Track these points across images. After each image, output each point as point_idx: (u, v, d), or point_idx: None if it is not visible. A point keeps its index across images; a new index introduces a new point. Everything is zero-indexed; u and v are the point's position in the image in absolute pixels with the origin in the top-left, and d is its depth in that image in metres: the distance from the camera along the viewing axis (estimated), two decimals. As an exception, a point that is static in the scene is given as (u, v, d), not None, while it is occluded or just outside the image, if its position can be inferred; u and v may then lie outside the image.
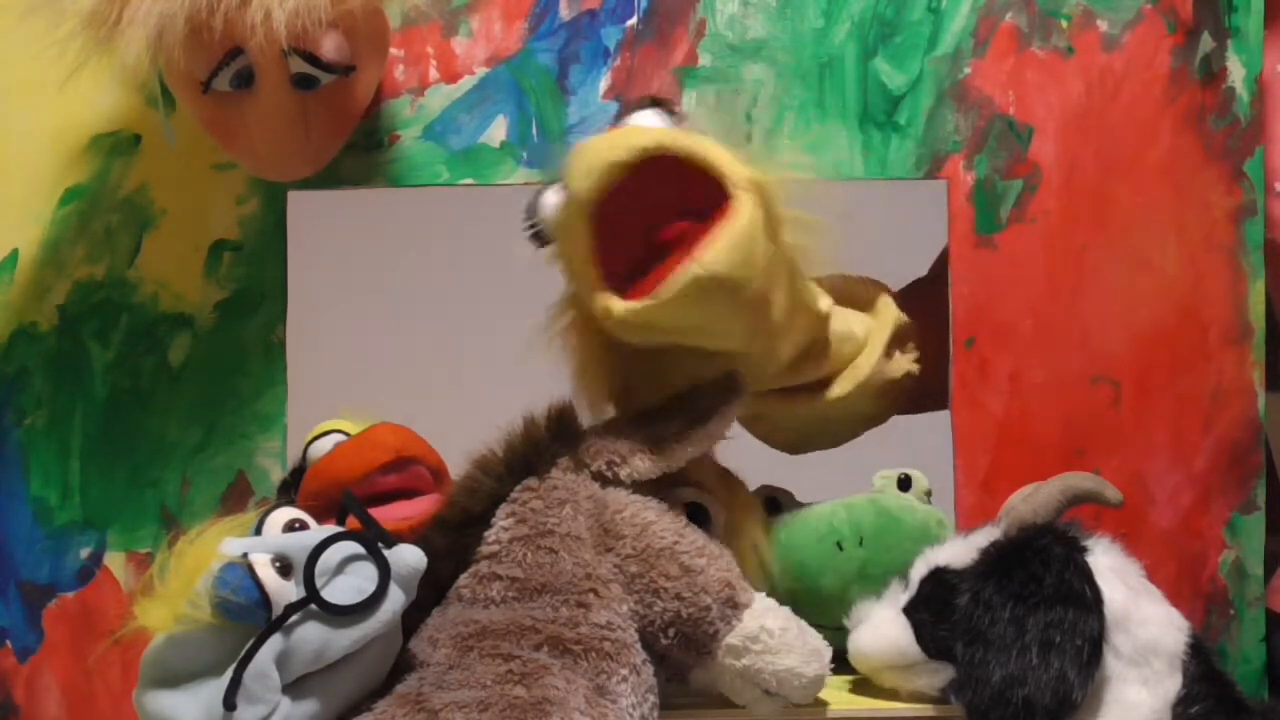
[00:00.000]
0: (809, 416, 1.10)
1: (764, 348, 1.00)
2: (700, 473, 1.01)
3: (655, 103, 0.99)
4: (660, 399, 1.01)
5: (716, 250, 0.90)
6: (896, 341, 1.12)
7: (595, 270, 0.94)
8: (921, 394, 1.16)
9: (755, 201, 0.92)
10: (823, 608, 1.06)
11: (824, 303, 1.06)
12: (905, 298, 1.17)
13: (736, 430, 1.05)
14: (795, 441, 1.16)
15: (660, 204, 0.92)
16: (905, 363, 1.12)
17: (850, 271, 1.19)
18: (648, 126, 0.96)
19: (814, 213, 0.99)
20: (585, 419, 1.02)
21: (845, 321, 1.10)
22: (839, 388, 1.09)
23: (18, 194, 1.11)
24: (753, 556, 1.02)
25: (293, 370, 1.10)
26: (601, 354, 1.02)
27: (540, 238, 0.99)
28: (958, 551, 1.00)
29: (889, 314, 1.14)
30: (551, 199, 0.97)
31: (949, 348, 1.11)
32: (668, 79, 1.11)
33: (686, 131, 0.95)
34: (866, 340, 1.11)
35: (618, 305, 0.93)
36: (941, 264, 1.22)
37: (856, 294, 1.15)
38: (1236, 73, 1.11)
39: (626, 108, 1.00)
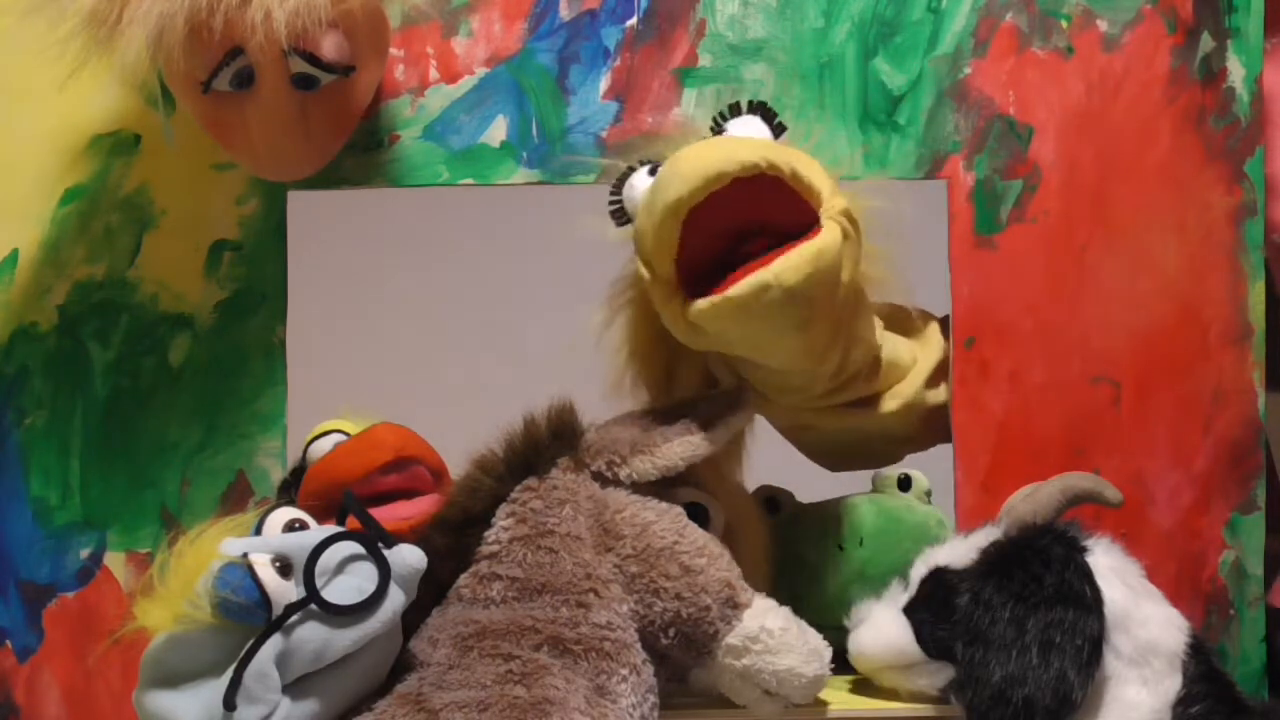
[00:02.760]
0: (852, 433, 1.11)
1: (812, 371, 1.01)
2: (700, 473, 1.01)
3: (757, 108, 0.99)
4: (671, 401, 1.02)
5: (793, 265, 0.90)
6: (942, 371, 1.12)
7: (673, 269, 0.94)
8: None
9: (842, 231, 0.93)
10: (823, 608, 1.06)
11: (880, 336, 1.07)
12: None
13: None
14: (837, 458, 1.16)
15: (749, 214, 0.92)
16: (948, 392, 1.12)
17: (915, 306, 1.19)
18: (751, 137, 0.96)
19: (885, 251, 1.00)
20: (626, 398, 1.03)
21: (893, 346, 1.11)
22: (883, 407, 1.10)
23: (18, 194, 1.11)
24: (751, 557, 1.02)
25: (293, 370, 1.10)
26: (653, 342, 1.03)
27: (622, 216, 0.99)
28: (958, 551, 1.00)
29: (936, 342, 1.14)
30: (641, 183, 0.97)
31: (949, 355, 1.11)
32: (668, 79, 1.11)
33: (788, 147, 0.95)
34: (913, 364, 1.11)
35: (690, 307, 0.93)
36: None
37: (906, 322, 1.15)
38: (1236, 73, 1.10)
39: (732, 110, 1.00)
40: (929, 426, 1.12)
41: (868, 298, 1.04)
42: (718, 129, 0.99)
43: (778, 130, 0.99)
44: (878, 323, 1.09)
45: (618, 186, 1.00)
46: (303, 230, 1.11)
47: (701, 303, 0.92)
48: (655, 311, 0.99)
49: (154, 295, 1.11)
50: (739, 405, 0.99)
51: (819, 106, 1.11)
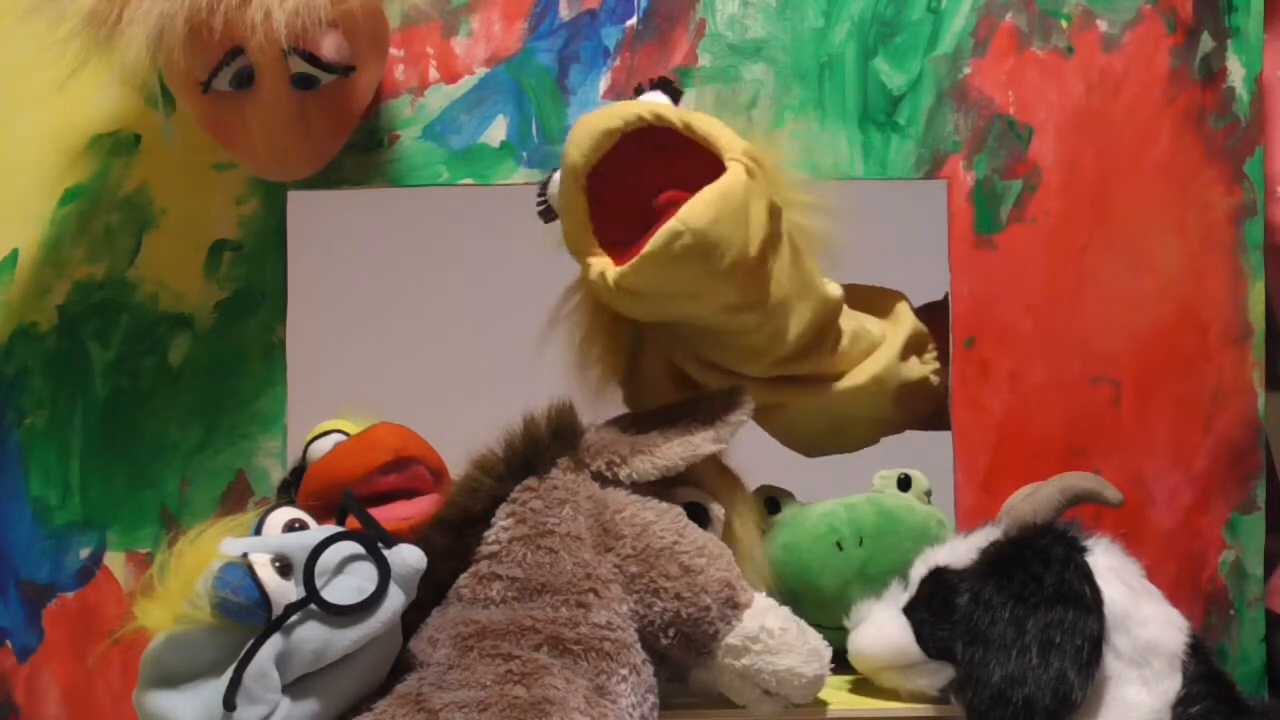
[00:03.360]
0: (824, 413, 1.10)
1: (765, 323, 1.00)
2: (701, 472, 1.01)
3: (662, 83, 1.00)
4: (670, 401, 1.02)
5: (697, 207, 0.91)
6: (914, 347, 1.12)
7: (591, 237, 0.96)
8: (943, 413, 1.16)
9: (746, 169, 0.93)
10: (823, 608, 1.06)
11: (832, 289, 1.06)
12: (929, 312, 1.17)
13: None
14: (810, 440, 1.15)
15: (658, 177, 0.94)
16: (922, 368, 1.12)
17: (852, 271, 1.19)
18: (624, 103, 0.97)
19: (817, 202, 1.00)
20: (591, 400, 1.03)
21: (859, 320, 1.10)
22: (852, 379, 1.09)
23: (18, 194, 1.11)
24: (751, 557, 1.02)
25: (293, 370, 1.10)
26: (609, 332, 1.03)
27: (548, 213, 1.00)
28: (958, 551, 1.00)
29: (906, 318, 1.14)
30: (559, 176, 0.98)
31: (949, 354, 1.11)
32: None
33: (663, 104, 0.97)
34: (883, 339, 1.11)
35: (611, 270, 0.94)
36: None
37: (874, 301, 1.15)
38: (1236, 73, 1.11)
39: (636, 91, 1.01)
40: (903, 405, 1.12)
41: (805, 248, 1.02)
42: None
43: (677, 100, 1.00)
44: (835, 286, 1.07)
45: (543, 187, 1.01)
46: (302, 230, 1.11)
47: (623, 267, 0.93)
48: (602, 305, 1.00)
49: (154, 295, 1.11)
50: (738, 405, 0.98)
51: (819, 106, 1.11)
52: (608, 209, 0.96)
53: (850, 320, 1.09)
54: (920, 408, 1.14)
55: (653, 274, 0.92)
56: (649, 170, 0.94)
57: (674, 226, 0.90)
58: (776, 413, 1.11)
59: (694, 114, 0.95)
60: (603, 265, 0.95)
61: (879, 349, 1.11)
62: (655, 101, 0.97)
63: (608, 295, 0.96)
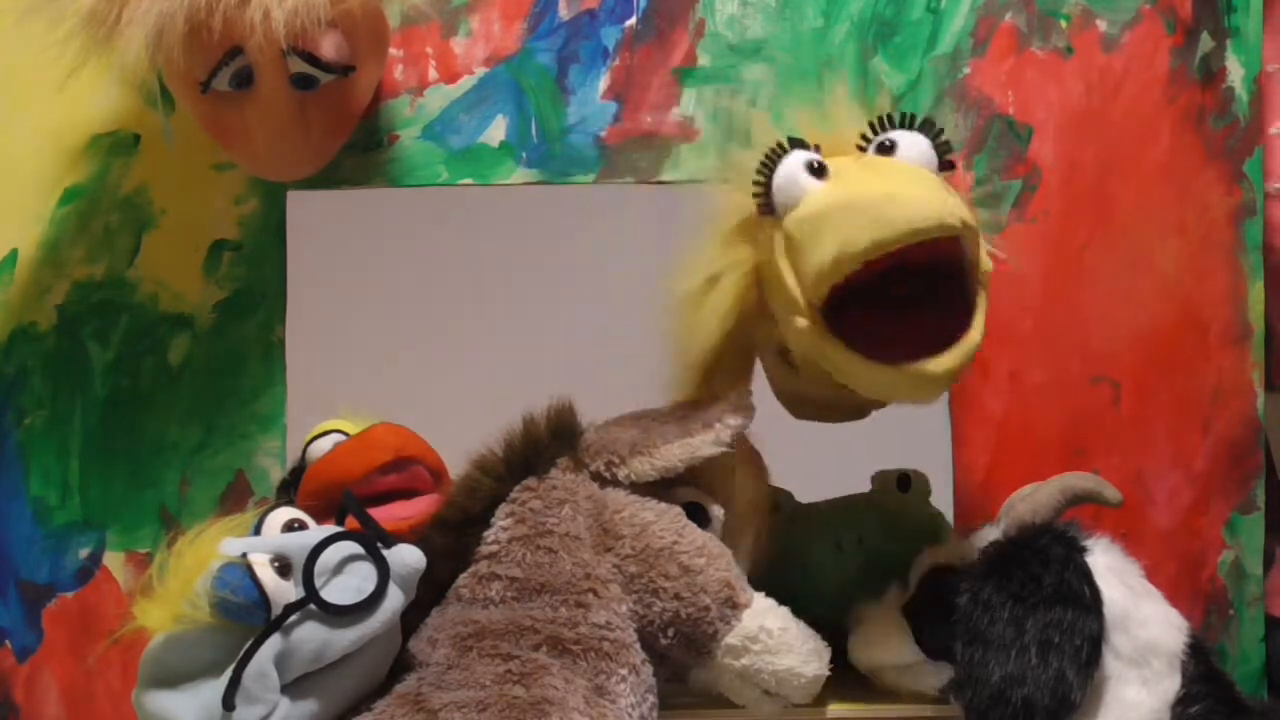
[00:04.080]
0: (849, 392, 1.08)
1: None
2: (702, 472, 1.01)
3: (924, 126, 0.94)
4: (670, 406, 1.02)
5: (958, 356, 0.89)
6: None
7: (821, 299, 0.90)
8: None
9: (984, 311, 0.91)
10: (823, 608, 1.06)
11: None
12: None
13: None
14: (816, 409, 1.11)
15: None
16: None
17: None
18: (932, 184, 0.90)
19: None
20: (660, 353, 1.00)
21: None
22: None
23: (17, 194, 1.11)
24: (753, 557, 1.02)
25: (292, 370, 1.10)
26: (731, 302, 0.97)
27: (767, 204, 0.92)
28: (958, 551, 1.00)
29: None
30: (805, 182, 0.91)
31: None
32: (667, 79, 1.11)
33: (966, 206, 0.90)
34: None
35: (913, 367, 0.88)
36: None
37: None
38: (1236, 73, 1.10)
39: (903, 121, 0.94)
40: None
41: None
42: (879, 133, 0.94)
43: (945, 163, 0.94)
44: None
45: (767, 169, 0.92)
46: (302, 230, 1.11)
47: (874, 367, 0.89)
48: (747, 297, 0.95)
49: (153, 295, 1.11)
50: (740, 409, 0.98)
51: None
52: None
53: None
54: None
55: (877, 388, 0.91)
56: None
57: (949, 365, 0.88)
58: (807, 397, 1.07)
59: (974, 223, 0.90)
60: (805, 324, 0.91)
61: None
62: (953, 197, 0.90)
63: (797, 345, 0.93)
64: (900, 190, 0.88)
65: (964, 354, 0.89)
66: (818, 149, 0.94)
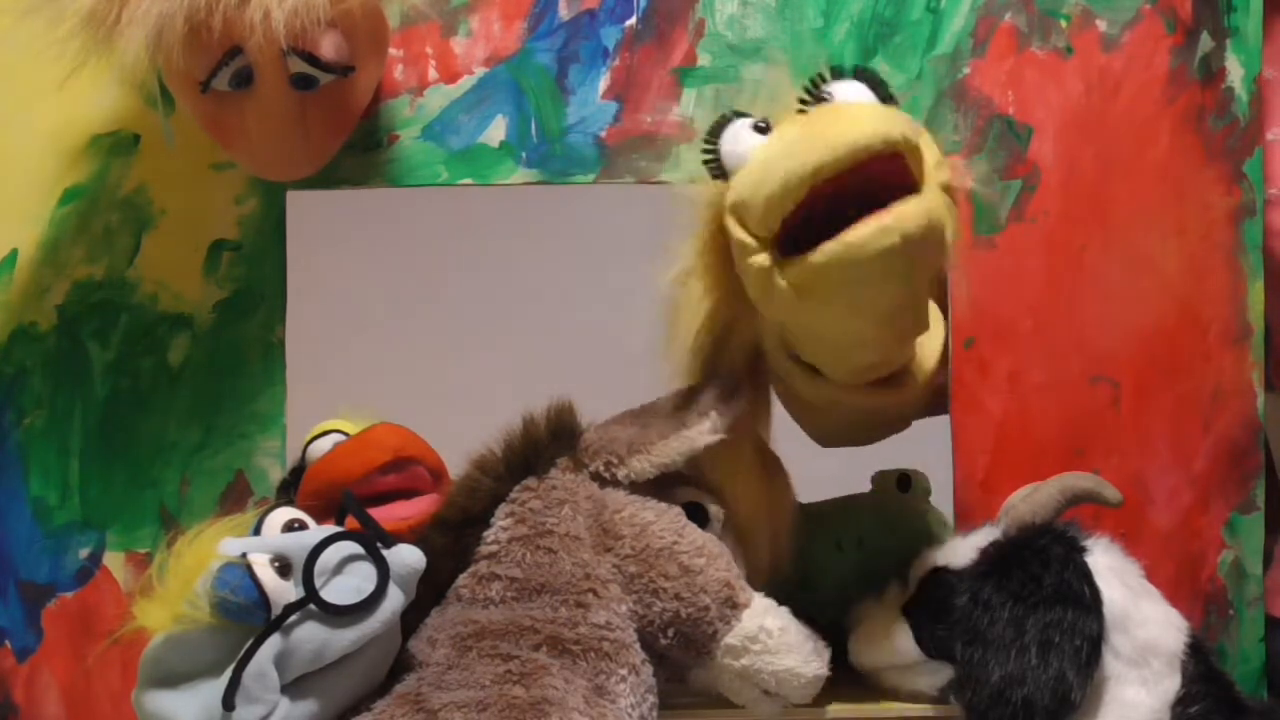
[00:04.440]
0: (872, 412, 1.08)
1: (886, 349, 0.98)
2: (705, 469, 1.01)
3: (861, 73, 0.94)
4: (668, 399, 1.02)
5: (910, 214, 0.86)
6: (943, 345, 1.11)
7: (774, 230, 0.89)
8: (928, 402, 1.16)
9: (945, 200, 0.90)
10: (823, 608, 1.06)
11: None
12: None
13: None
14: (842, 434, 1.13)
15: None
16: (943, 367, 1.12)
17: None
18: (881, 108, 0.91)
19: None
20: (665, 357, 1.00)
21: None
22: (913, 382, 1.05)
23: (17, 194, 1.11)
24: (773, 549, 1.01)
25: (292, 370, 1.10)
26: (717, 310, 0.98)
27: (717, 169, 0.93)
28: (958, 551, 1.00)
29: (938, 316, 1.13)
30: (748, 138, 0.92)
31: (948, 349, 1.11)
32: (667, 79, 1.11)
33: (909, 120, 0.91)
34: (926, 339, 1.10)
35: (807, 257, 0.87)
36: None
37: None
38: (1235, 73, 1.10)
39: (833, 74, 0.94)
40: (936, 396, 1.11)
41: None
42: (814, 92, 0.93)
43: (885, 100, 0.94)
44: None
45: (713, 137, 0.94)
46: (302, 230, 1.11)
47: (822, 250, 0.86)
48: (722, 279, 0.95)
49: (153, 295, 1.11)
50: (733, 395, 0.98)
51: (818, 106, 1.10)
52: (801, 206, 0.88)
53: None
54: (937, 401, 1.13)
55: (843, 275, 0.87)
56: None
57: (886, 223, 0.85)
58: (825, 411, 1.08)
59: (921, 134, 0.91)
60: (768, 262, 0.89)
61: (929, 350, 1.08)
62: (893, 112, 0.91)
63: (761, 289, 0.91)
64: (840, 113, 0.89)
65: (871, 229, 0.85)
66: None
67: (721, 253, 0.95)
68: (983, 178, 1.07)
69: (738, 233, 0.91)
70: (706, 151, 0.94)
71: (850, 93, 0.93)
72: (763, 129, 0.93)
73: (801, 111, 0.92)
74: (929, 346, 1.08)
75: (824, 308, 0.91)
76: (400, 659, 0.91)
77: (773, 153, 0.89)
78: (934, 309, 1.12)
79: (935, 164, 0.91)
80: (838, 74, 0.94)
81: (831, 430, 1.13)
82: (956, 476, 1.10)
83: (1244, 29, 1.10)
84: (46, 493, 1.10)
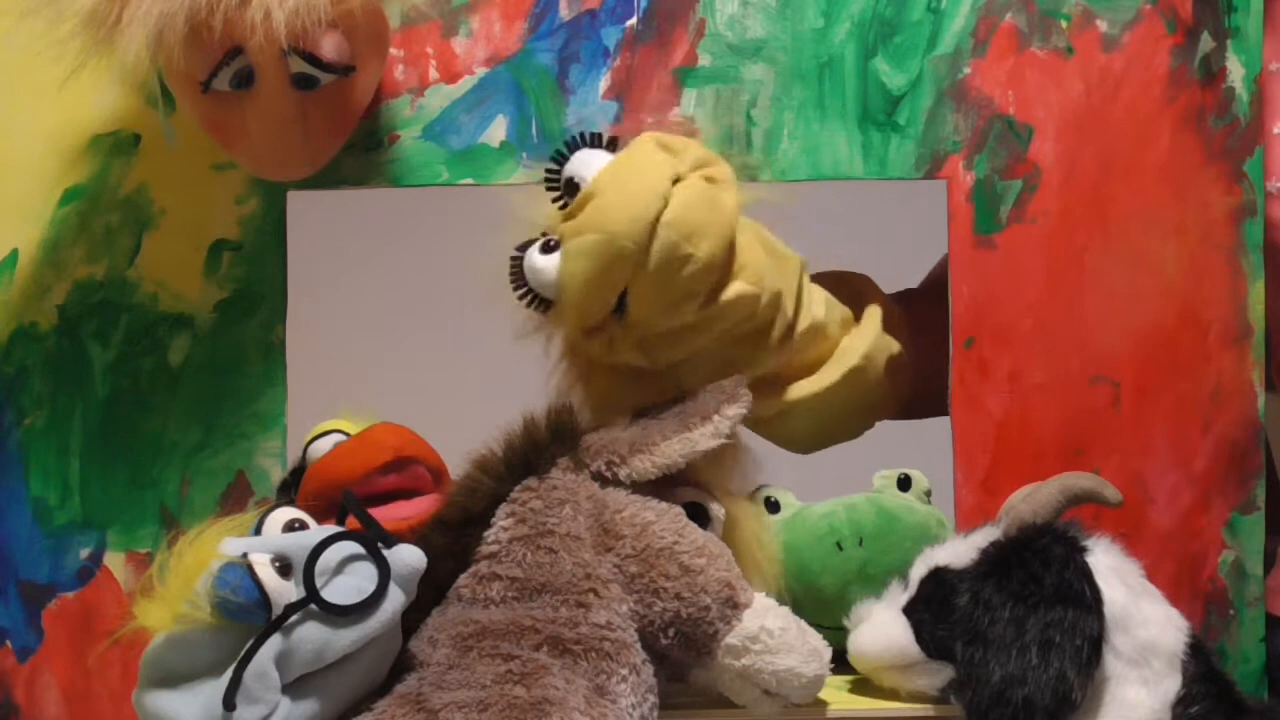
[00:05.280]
0: (825, 405, 1.09)
1: (761, 295, 1.01)
2: (701, 472, 1.01)
3: (593, 140, 1.02)
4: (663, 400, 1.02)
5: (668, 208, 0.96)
6: (887, 324, 1.12)
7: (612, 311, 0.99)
8: (921, 401, 1.16)
9: (701, 181, 0.98)
10: (823, 608, 1.06)
11: (793, 253, 1.08)
12: (896, 303, 1.18)
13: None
14: (812, 437, 1.14)
15: None
16: (893, 342, 1.13)
17: (848, 270, 1.19)
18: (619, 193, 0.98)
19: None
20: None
21: (823, 292, 1.11)
22: (845, 361, 1.10)
23: (18, 194, 1.11)
24: (757, 555, 1.02)
25: (292, 370, 1.10)
26: (612, 390, 1.05)
27: (540, 303, 1.00)
28: (958, 551, 1.00)
29: (877, 295, 1.15)
30: (546, 264, 0.99)
31: (949, 349, 1.11)
32: (667, 79, 1.11)
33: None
34: (849, 314, 1.12)
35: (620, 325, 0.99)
36: (936, 274, 1.22)
37: (840, 284, 1.15)
38: (1236, 73, 1.10)
39: (569, 146, 1.02)
40: (886, 389, 1.13)
41: (755, 224, 1.04)
42: (561, 161, 1.02)
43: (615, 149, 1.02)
44: (819, 290, 1.10)
45: (519, 279, 1.01)
46: (302, 230, 1.11)
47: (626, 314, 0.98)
48: (590, 371, 1.04)
49: (154, 295, 1.11)
50: (735, 398, 0.98)
51: (819, 106, 1.11)
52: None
53: (820, 291, 1.10)
54: (903, 384, 1.14)
55: (651, 288, 0.96)
56: None
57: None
58: (780, 420, 1.11)
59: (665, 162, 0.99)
60: (606, 345, 1.00)
61: (862, 324, 1.12)
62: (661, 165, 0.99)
63: (632, 351, 1.01)
64: (606, 200, 0.97)
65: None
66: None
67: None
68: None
69: (582, 338, 1.02)
70: (527, 294, 1.01)
71: (591, 162, 1.00)
72: (552, 248, 0.99)
73: (564, 209, 1.00)
74: (865, 320, 1.12)
75: (668, 317, 1.00)
76: (401, 659, 0.91)
77: (577, 253, 0.97)
78: (871, 288, 1.16)
79: (695, 163, 1.00)
80: (573, 147, 1.01)
81: (798, 437, 1.15)
82: (956, 476, 1.10)
83: (1244, 29, 1.10)
84: (47, 493, 1.10)
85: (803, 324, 1.07)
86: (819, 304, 1.09)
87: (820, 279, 1.12)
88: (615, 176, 0.98)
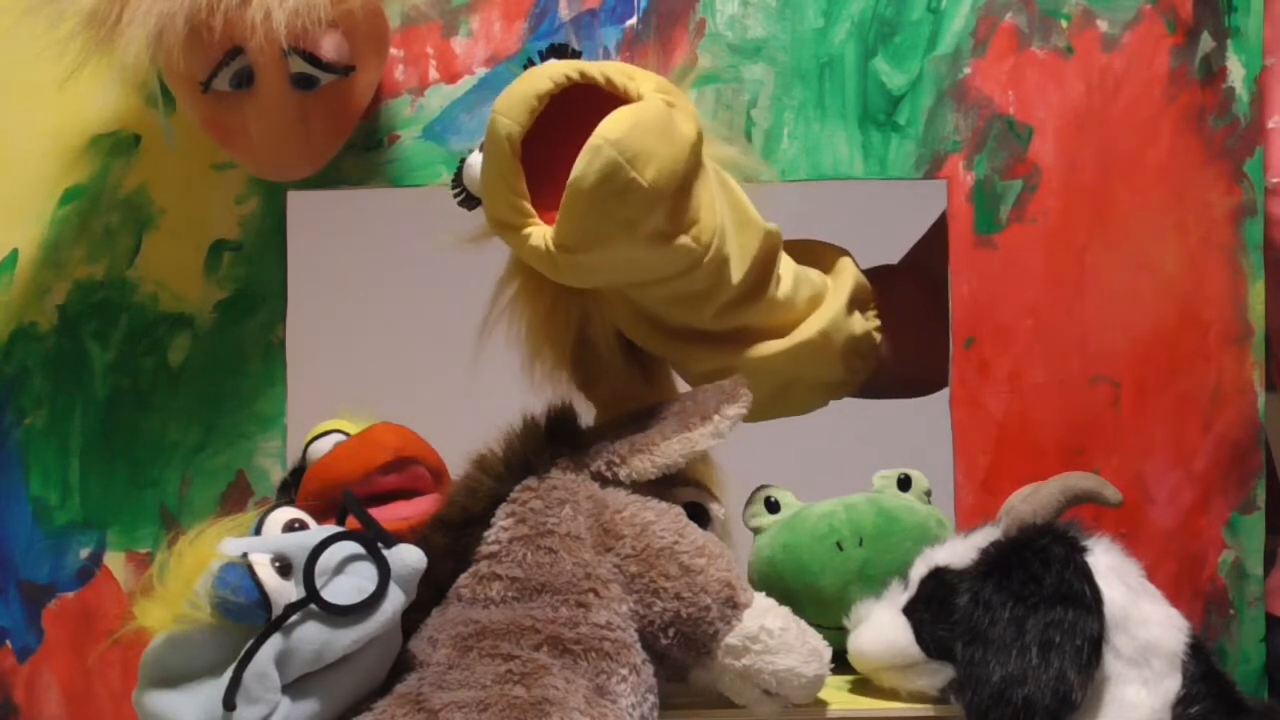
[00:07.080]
0: (774, 374, 1.08)
1: (706, 255, 0.97)
2: (699, 470, 1.01)
3: (555, 50, 0.97)
4: (656, 400, 1.02)
5: (612, 121, 0.88)
6: (858, 302, 1.12)
7: (527, 206, 0.93)
8: (897, 381, 1.16)
9: (661, 100, 0.91)
10: (823, 608, 1.06)
11: (770, 225, 1.04)
12: (873, 279, 1.17)
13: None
14: (758, 405, 1.13)
15: (581, 139, 0.89)
16: (865, 323, 1.12)
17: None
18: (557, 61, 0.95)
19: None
20: (539, 386, 1.03)
21: (802, 268, 1.10)
22: (800, 334, 1.07)
23: (18, 194, 1.11)
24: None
25: (292, 370, 1.10)
26: (553, 316, 1.02)
27: (470, 200, 0.98)
28: (958, 551, 1.00)
29: (849, 271, 1.14)
30: (476, 158, 0.96)
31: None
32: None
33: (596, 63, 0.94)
34: (825, 288, 1.11)
35: (550, 234, 0.91)
36: (916, 255, 1.22)
37: (816, 256, 1.15)
38: (1236, 73, 1.10)
39: (526, 66, 0.97)
40: (849, 363, 1.12)
41: (733, 184, 1.02)
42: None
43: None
44: (770, 224, 1.06)
45: (457, 179, 0.98)
46: (303, 230, 1.11)
47: (555, 223, 0.90)
48: (541, 287, 0.99)
49: (154, 295, 1.11)
50: (735, 398, 0.98)
51: (819, 106, 1.11)
52: (537, 181, 0.92)
53: (792, 267, 1.09)
54: (864, 366, 1.14)
55: (585, 210, 0.88)
56: (575, 137, 0.89)
57: (593, 143, 0.87)
58: (725, 377, 1.09)
59: (613, 66, 0.93)
60: (543, 233, 0.92)
61: (825, 301, 1.10)
62: (566, 60, 0.95)
63: (549, 265, 0.93)
64: (507, 88, 0.92)
65: (581, 159, 0.87)
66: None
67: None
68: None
69: (506, 238, 0.95)
70: (457, 193, 0.99)
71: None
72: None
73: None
74: (830, 296, 1.10)
75: (602, 251, 0.92)
76: (401, 659, 0.91)
77: (483, 149, 0.93)
78: (845, 264, 1.15)
79: (652, 86, 0.93)
80: (530, 64, 0.96)
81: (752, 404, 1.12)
82: (957, 476, 1.10)
83: (1245, 29, 1.10)
84: (47, 493, 1.10)
85: (762, 295, 1.04)
86: (787, 279, 1.07)
87: (792, 247, 1.10)
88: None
